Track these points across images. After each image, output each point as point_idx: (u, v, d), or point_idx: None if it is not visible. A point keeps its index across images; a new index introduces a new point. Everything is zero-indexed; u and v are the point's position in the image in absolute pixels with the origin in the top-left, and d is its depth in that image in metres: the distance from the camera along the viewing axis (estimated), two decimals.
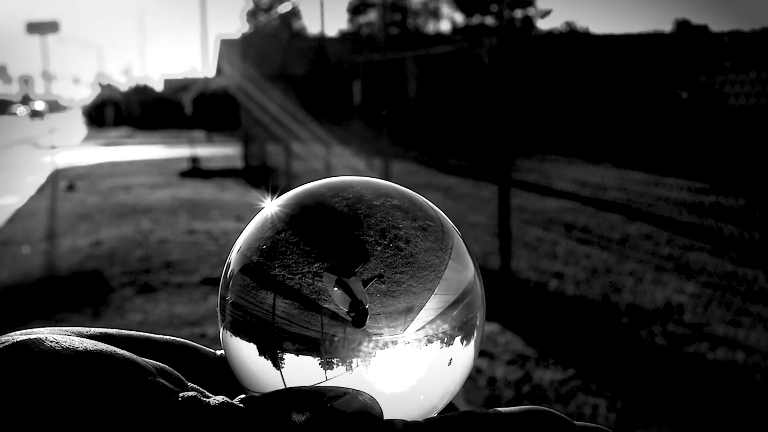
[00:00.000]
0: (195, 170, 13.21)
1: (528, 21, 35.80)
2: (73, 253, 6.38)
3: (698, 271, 5.41)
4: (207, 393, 0.34)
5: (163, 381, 0.33)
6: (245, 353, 0.36)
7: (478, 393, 3.29)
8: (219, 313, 0.38)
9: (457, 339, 0.36)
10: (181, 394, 0.32)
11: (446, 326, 0.36)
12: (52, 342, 0.33)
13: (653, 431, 2.96)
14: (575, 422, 0.34)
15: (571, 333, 4.14)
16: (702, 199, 7.59)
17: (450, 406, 0.38)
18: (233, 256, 0.38)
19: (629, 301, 4.69)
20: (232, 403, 0.33)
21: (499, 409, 0.34)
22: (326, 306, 0.35)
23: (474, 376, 3.42)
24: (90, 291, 5.14)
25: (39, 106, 62.34)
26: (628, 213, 7.72)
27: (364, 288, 0.35)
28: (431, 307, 0.36)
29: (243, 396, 0.33)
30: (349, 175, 0.41)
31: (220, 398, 0.33)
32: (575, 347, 3.90)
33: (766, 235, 5.90)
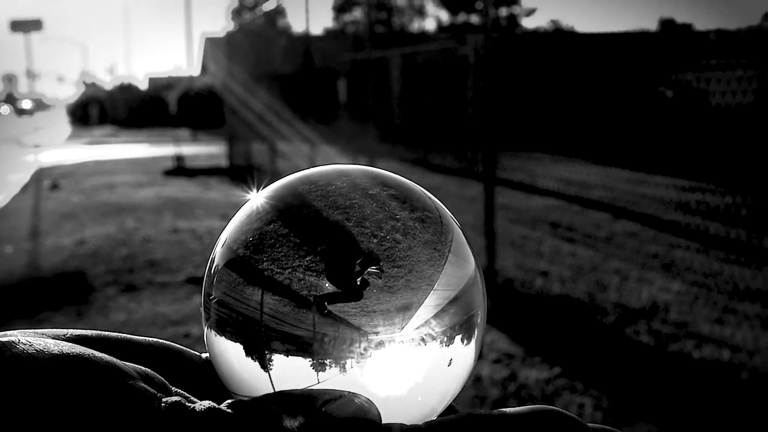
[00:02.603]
0: (180, 169, 13.16)
1: (513, 19, 35.89)
2: (57, 252, 6.34)
3: (684, 269, 5.42)
4: (192, 398, 0.32)
5: (145, 385, 0.31)
6: (231, 354, 0.34)
7: (464, 392, 3.28)
8: (203, 312, 0.36)
9: (458, 338, 0.34)
10: (164, 399, 0.30)
11: (446, 324, 0.34)
12: (24, 345, 0.31)
13: (639, 429, 2.96)
14: (588, 424, 0.32)
15: (557, 331, 4.13)
16: (687, 197, 7.61)
17: (450, 409, 0.37)
18: (218, 249, 0.36)
19: (615, 299, 4.69)
20: (219, 409, 0.31)
21: (505, 409, 0.33)
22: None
23: None
24: (73, 290, 5.11)
25: (26, 104, 62.22)
26: (614, 211, 7.74)
27: (359, 279, 0.33)
28: (430, 304, 0.34)
29: (230, 401, 0.32)
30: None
31: (207, 403, 0.31)
32: (561, 346, 3.89)
33: (751, 233, 5.92)
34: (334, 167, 0.38)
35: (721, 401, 3.24)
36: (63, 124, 38.33)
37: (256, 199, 0.37)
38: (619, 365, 3.63)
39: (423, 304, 0.33)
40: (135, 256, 6.00)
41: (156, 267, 5.64)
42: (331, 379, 0.33)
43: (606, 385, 3.39)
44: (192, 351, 0.39)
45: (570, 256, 5.88)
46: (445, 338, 0.34)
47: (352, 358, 0.33)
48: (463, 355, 0.35)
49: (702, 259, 5.71)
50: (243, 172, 11.89)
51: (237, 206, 0.38)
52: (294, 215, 0.35)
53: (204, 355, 0.39)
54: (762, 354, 3.71)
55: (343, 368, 0.33)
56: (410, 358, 0.33)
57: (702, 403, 3.20)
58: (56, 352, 0.31)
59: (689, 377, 3.47)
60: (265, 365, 0.33)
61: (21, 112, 58.75)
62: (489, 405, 3.08)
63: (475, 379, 3.42)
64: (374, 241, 0.34)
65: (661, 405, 3.17)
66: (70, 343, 0.32)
